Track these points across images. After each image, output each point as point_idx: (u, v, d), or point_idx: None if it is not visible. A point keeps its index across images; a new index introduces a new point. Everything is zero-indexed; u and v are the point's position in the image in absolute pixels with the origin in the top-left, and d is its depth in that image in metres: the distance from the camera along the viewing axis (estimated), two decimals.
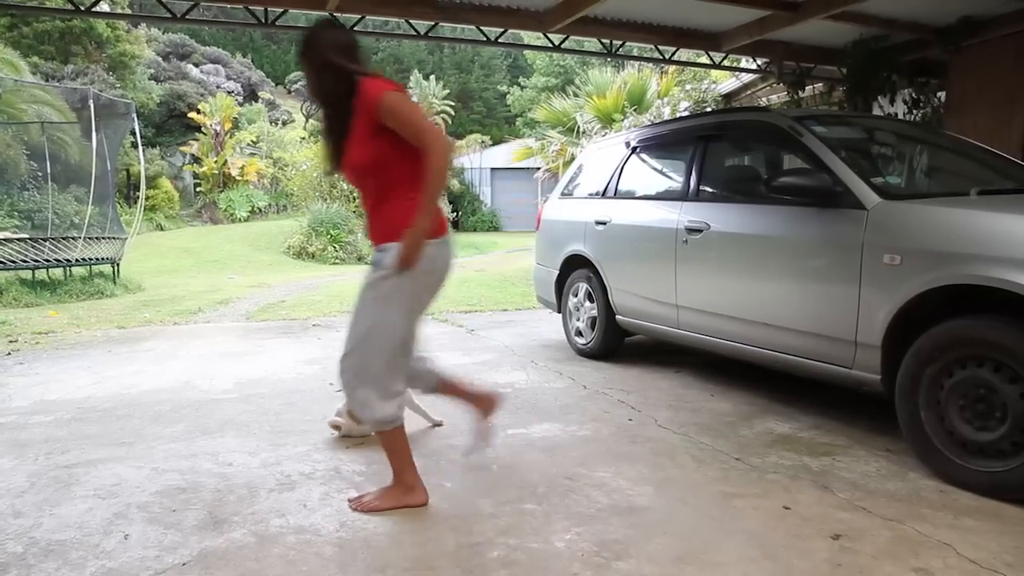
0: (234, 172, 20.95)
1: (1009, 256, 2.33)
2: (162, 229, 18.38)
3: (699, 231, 3.71)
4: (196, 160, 21.60)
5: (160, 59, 26.03)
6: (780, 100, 8.98)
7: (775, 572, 1.93)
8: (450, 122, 28.37)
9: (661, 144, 4.59)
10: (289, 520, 2.28)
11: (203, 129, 21.27)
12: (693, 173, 3.95)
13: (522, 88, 30.43)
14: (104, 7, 5.82)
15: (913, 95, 7.27)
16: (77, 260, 9.15)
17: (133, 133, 11.46)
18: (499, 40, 7.52)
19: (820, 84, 8.39)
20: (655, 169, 4.68)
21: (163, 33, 28.26)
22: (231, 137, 21.69)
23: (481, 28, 7.04)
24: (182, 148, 22.25)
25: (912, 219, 2.72)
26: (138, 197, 15.02)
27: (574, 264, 4.92)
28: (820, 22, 6.24)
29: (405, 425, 2.42)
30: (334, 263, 14.31)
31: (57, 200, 11.80)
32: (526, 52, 26.48)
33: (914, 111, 7.27)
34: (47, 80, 17.06)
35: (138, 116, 11.40)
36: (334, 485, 2.58)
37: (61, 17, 17.50)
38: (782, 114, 3.61)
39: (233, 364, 4.67)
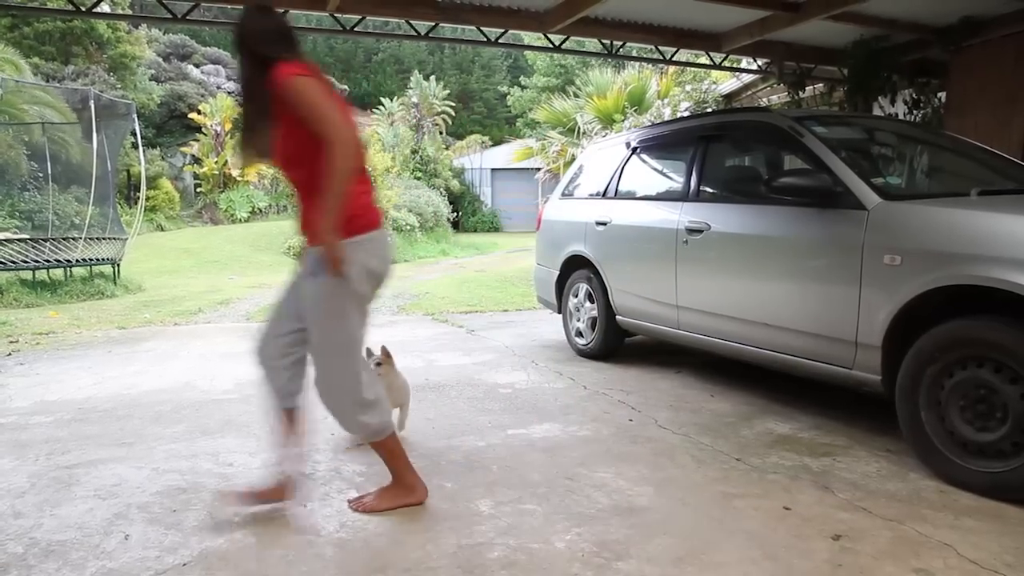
0: (234, 173, 20.94)
1: (1010, 256, 2.33)
2: (162, 230, 18.38)
3: (699, 231, 3.71)
4: (196, 161, 21.59)
5: (161, 60, 26.03)
6: (780, 100, 8.98)
7: (775, 572, 1.93)
8: (450, 122, 28.37)
9: (661, 144, 4.59)
10: (290, 521, 2.28)
11: (203, 130, 21.26)
12: (693, 173, 3.95)
13: (523, 88, 30.42)
14: (105, 8, 5.82)
15: (913, 95, 7.27)
16: (77, 261, 9.15)
17: (134, 134, 11.45)
18: (499, 41, 7.52)
19: (821, 84, 8.39)
20: (655, 169, 4.68)
21: (164, 34, 28.25)
22: (232, 138, 21.66)
23: (481, 29, 7.04)
24: (182, 149, 22.24)
25: (912, 219, 2.72)
26: (138, 198, 15.02)
27: (574, 264, 4.92)
28: (821, 22, 6.24)
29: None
30: None
31: (58, 201, 11.80)
32: (527, 52, 26.50)
33: (914, 111, 7.27)
34: (48, 81, 17.06)
35: (139, 117, 11.40)
36: (334, 486, 2.58)
37: (62, 18, 17.51)
38: (782, 114, 3.61)
39: (233, 364, 4.67)
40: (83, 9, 6.59)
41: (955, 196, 2.98)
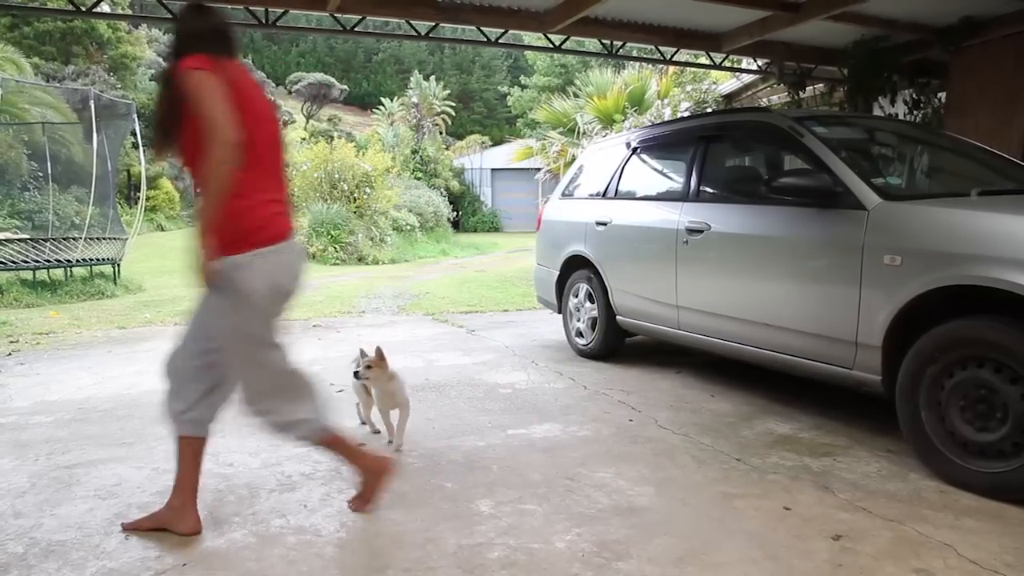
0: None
1: (1010, 257, 2.33)
2: (163, 230, 18.38)
3: (700, 232, 3.71)
4: None
5: (161, 60, 25.98)
6: (781, 101, 8.98)
7: (776, 572, 1.93)
8: (451, 122, 28.37)
9: (662, 145, 4.59)
10: (290, 521, 2.28)
11: None
12: (694, 174, 3.95)
13: (523, 88, 30.44)
14: (105, 8, 5.83)
15: (914, 95, 7.26)
16: (78, 261, 9.15)
17: (134, 134, 11.45)
18: (499, 41, 7.52)
19: (821, 84, 8.38)
20: (656, 170, 4.68)
21: (164, 34, 28.22)
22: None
23: (482, 29, 7.04)
24: None
25: (913, 220, 2.72)
26: (139, 198, 15.01)
27: (575, 265, 4.92)
28: (821, 23, 6.24)
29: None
30: (334, 264, 14.30)
31: (58, 201, 11.80)
32: (527, 53, 26.50)
33: (915, 111, 7.27)
34: (48, 81, 17.07)
35: (139, 117, 11.38)
36: (335, 486, 2.58)
37: (62, 18, 17.51)
38: (783, 115, 3.61)
39: None
40: (83, 9, 6.59)
41: (955, 196, 2.98)
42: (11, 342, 5.59)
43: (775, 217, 3.31)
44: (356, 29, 7.01)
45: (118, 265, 9.61)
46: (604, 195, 4.74)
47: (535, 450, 2.95)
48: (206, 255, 1.98)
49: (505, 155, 24.03)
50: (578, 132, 15.13)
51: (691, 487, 2.54)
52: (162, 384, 2.24)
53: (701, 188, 3.90)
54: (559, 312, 5.17)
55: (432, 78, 28.53)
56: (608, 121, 14.01)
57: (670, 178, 4.48)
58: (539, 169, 18.68)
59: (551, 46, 7.78)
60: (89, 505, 2.41)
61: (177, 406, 2.20)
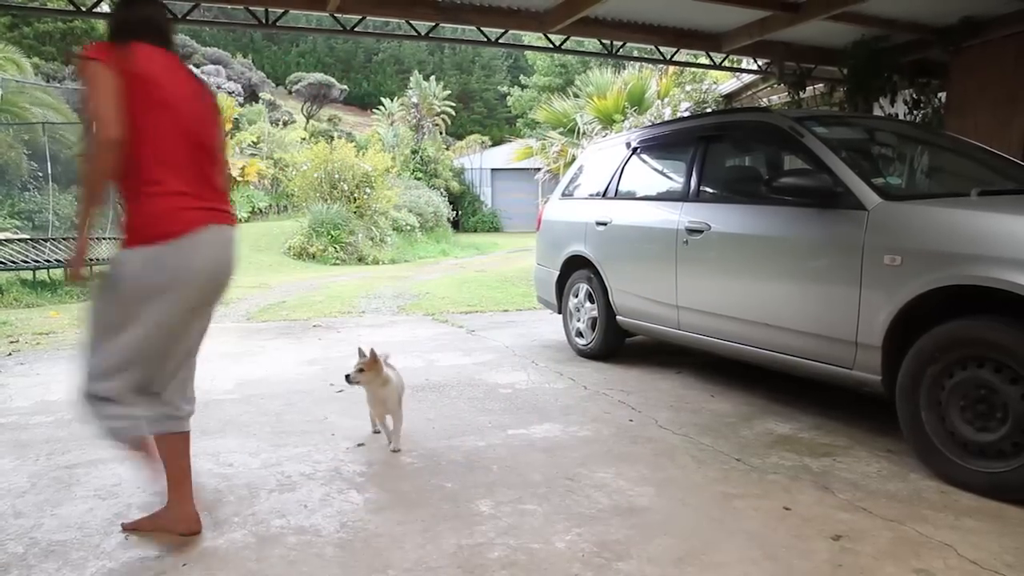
0: (235, 173, 20.93)
1: (1010, 257, 2.33)
2: None
3: (700, 232, 3.71)
4: None
5: None
6: (781, 101, 8.98)
7: (776, 573, 1.93)
8: (451, 122, 28.37)
9: (662, 145, 4.59)
10: (290, 521, 2.28)
11: None
12: (694, 174, 3.95)
13: (523, 88, 30.46)
14: (105, 8, 5.82)
15: (914, 96, 7.27)
16: None
17: None
18: (499, 41, 7.53)
19: (821, 85, 8.38)
20: (655, 170, 4.68)
21: None
22: (232, 138, 21.68)
23: (482, 29, 7.04)
24: None
25: (913, 220, 2.72)
26: None
27: (575, 265, 4.92)
28: (821, 23, 6.24)
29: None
30: (335, 264, 14.32)
31: (58, 201, 11.80)
32: (527, 53, 26.50)
33: (915, 112, 7.27)
34: (48, 81, 17.07)
35: None
36: (335, 486, 2.58)
37: (62, 18, 17.51)
38: (783, 115, 3.61)
39: (234, 365, 4.67)
40: (83, 9, 6.59)
41: (955, 196, 2.97)
42: (11, 342, 5.59)
43: (775, 217, 3.31)
44: (356, 29, 7.01)
45: None
46: (604, 195, 4.74)
47: (535, 450, 2.95)
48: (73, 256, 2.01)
49: (505, 155, 24.05)
50: (578, 132, 15.14)
51: (691, 487, 2.54)
52: None
53: (701, 188, 3.90)
54: (559, 312, 5.17)
55: (432, 78, 28.54)
56: (608, 121, 14.02)
57: (670, 178, 4.48)
58: (539, 169, 18.69)
59: (551, 46, 7.78)
60: (89, 505, 2.41)
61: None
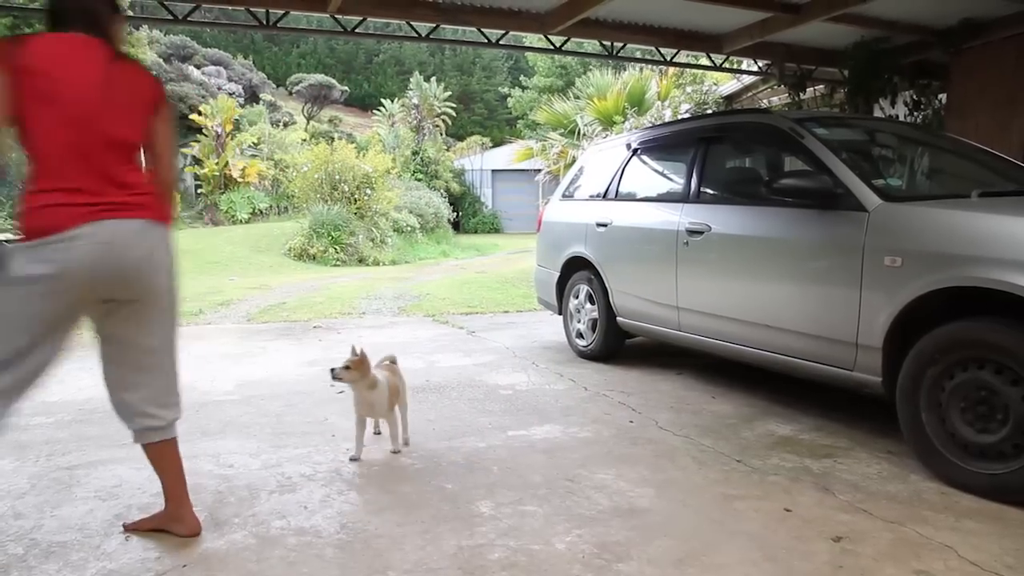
0: (235, 174, 20.97)
1: (1011, 258, 2.33)
2: None
3: (700, 233, 3.71)
4: (197, 162, 21.62)
5: (162, 61, 26.08)
6: (781, 102, 8.99)
7: (776, 574, 1.93)
8: (451, 123, 28.37)
9: (662, 146, 4.59)
10: (290, 522, 2.28)
11: (204, 131, 21.28)
12: (694, 175, 3.95)
13: (523, 90, 30.46)
14: None
15: (914, 97, 7.27)
16: None
17: None
18: (500, 42, 7.53)
19: (821, 86, 8.39)
20: (656, 171, 4.68)
21: (164, 35, 28.32)
22: (232, 139, 21.70)
23: (482, 30, 7.05)
24: (183, 150, 22.24)
25: (913, 221, 2.72)
26: None
27: (575, 266, 4.92)
28: (821, 24, 6.25)
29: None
30: (335, 265, 14.32)
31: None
32: (527, 54, 26.51)
33: (915, 113, 7.28)
34: None
35: None
36: (335, 487, 2.58)
37: None
38: (783, 116, 3.61)
39: (234, 366, 4.67)
40: None
41: (956, 198, 2.97)
42: None
43: (776, 218, 3.31)
44: (357, 30, 7.02)
45: None
46: (604, 196, 4.74)
47: (535, 451, 2.95)
48: None
49: (506, 156, 24.04)
50: (578, 133, 15.13)
51: (692, 488, 2.54)
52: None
53: (701, 189, 3.90)
54: (559, 313, 5.17)
55: (433, 79, 28.54)
56: (608, 122, 14.01)
57: (670, 179, 4.48)
58: (539, 170, 18.69)
59: (551, 47, 7.79)
60: (89, 506, 2.41)
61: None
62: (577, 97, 16.49)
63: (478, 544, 2.12)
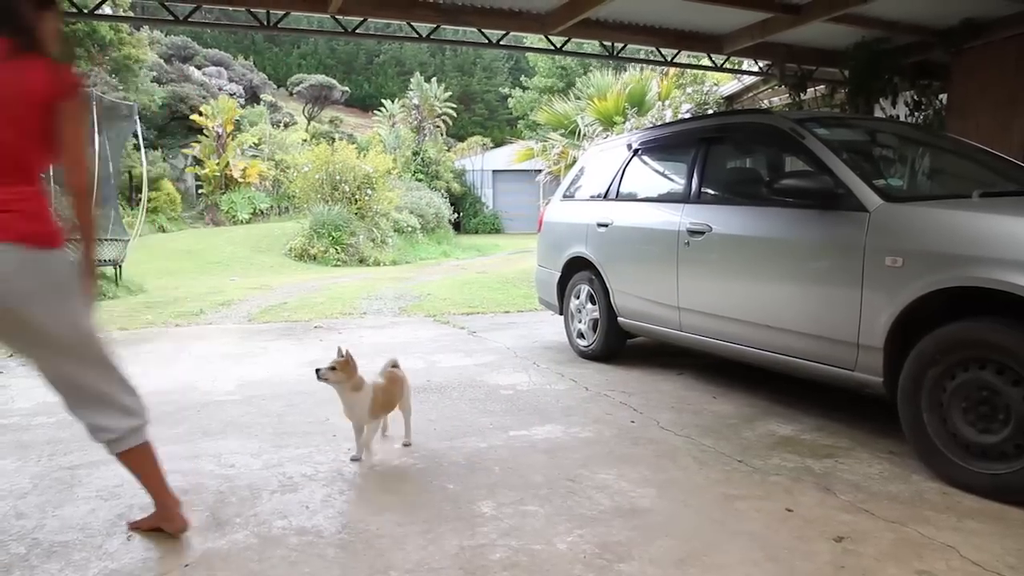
0: (236, 174, 20.99)
1: (1012, 258, 2.33)
2: (164, 231, 18.42)
3: (701, 233, 3.71)
4: (198, 162, 21.64)
5: (163, 61, 26.10)
6: (782, 102, 8.99)
7: (778, 574, 1.93)
8: (452, 124, 28.38)
9: (663, 146, 4.59)
10: (291, 522, 2.28)
11: (205, 131, 21.31)
12: (695, 175, 3.95)
13: (524, 90, 30.47)
14: (107, 10, 5.84)
15: (915, 97, 7.27)
16: None
17: (136, 135, 11.50)
18: (501, 42, 7.54)
19: (822, 86, 8.39)
20: (657, 171, 4.68)
21: (165, 35, 28.32)
22: (233, 139, 21.72)
23: (483, 31, 7.05)
24: (184, 150, 22.28)
25: (914, 221, 2.72)
26: (140, 199, 15.06)
27: (576, 266, 4.92)
28: (822, 24, 6.25)
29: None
30: (336, 265, 14.34)
31: (59, 202, 11.81)
32: (528, 54, 26.52)
33: (916, 113, 7.28)
34: None
35: (140, 118, 11.43)
36: (336, 487, 2.58)
37: (64, 20, 17.53)
38: (784, 116, 3.62)
39: (235, 366, 4.67)
40: (85, 11, 6.60)
41: (957, 198, 2.97)
42: None
43: (776, 219, 3.31)
44: (357, 31, 7.02)
45: (120, 266, 9.62)
46: (605, 196, 4.74)
47: (537, 451, 2.95)
48: None
49: (506, 157, 24.04)
50: (579, 134, 15.13)
51: (693, 488, 2.54)
52: None
53: (702, 190, 3.90)
54: (560, 314, 5.17)
55: (433, 80, 28.56)
56: (609, 123, 14.01)
57: (671, 180, 4.48)
58: (540, 171, 18.69)
59: (552, 48, 7.79)
60: (91, 506, 2.42)
61: None
62: (578, 97, 16.49)
63: (480, 544, 2.12)
